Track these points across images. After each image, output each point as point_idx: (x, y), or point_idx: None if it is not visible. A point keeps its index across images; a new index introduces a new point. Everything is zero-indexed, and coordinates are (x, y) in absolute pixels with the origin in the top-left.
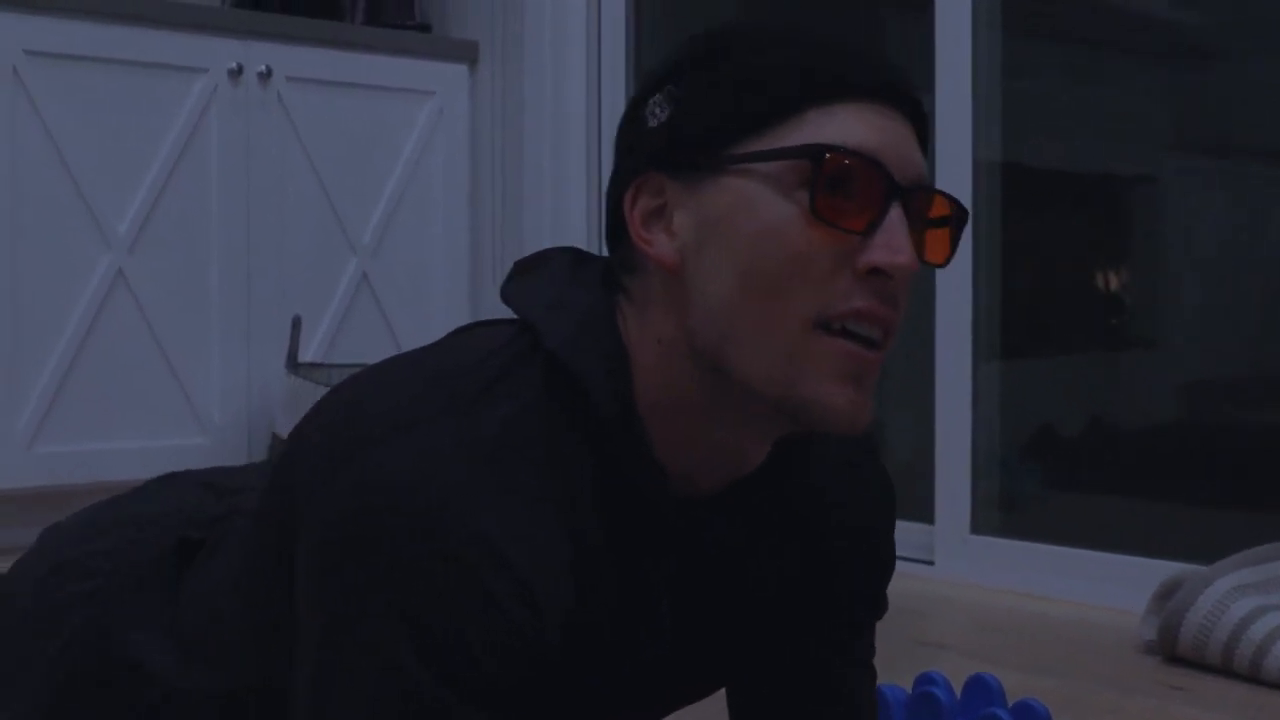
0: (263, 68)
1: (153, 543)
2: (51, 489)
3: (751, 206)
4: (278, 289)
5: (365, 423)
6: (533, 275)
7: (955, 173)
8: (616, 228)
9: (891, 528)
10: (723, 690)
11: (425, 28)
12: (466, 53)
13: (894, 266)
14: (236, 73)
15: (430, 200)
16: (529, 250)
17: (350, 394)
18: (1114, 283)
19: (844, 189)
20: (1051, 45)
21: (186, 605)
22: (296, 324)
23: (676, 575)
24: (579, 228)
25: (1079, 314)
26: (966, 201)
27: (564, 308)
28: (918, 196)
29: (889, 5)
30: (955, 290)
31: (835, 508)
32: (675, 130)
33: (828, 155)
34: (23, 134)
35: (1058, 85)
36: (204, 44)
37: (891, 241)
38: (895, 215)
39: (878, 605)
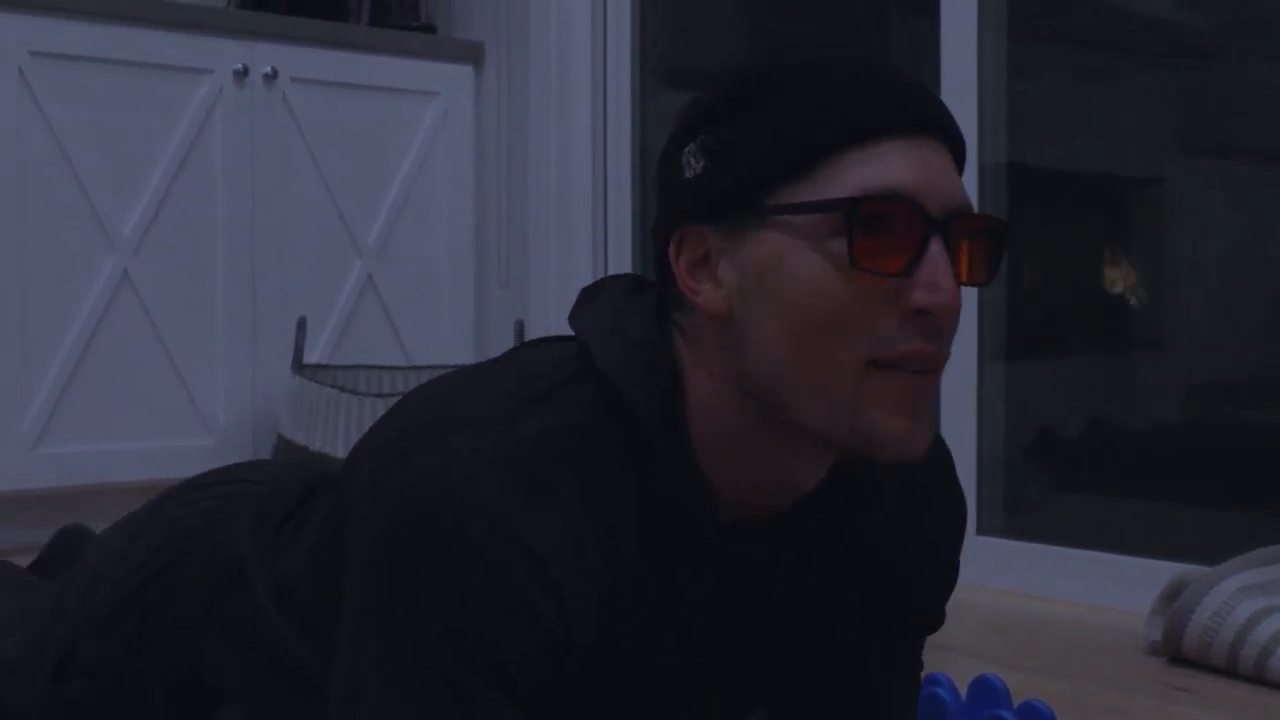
0: (268, 69)
1: (276, 487)
2: (57, 490)
3: (790, 259)
4: (282, 290)
5: (416, 428)
6: (593, 303)
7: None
8: (664, 271)
9: (960, 542)
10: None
11: (430, 29)
12: (471, 54)
13: (937, 306)
14: (242, 74)
15: (435, 201)
16: (534, 251)
17: (409, 401)
18: (1119, 284)
19: (880, 233)
20: (1056, 47)
21: (282, 557)
22: (301, 325)
23: (716, 596)
24: (584, 228)
25: (1084, 315)
26: (972, 203)
27: (619, 332)
28: (957, 225)
29: (894, 8)
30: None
31: (903, 528)
32: (710, 183)
33: (861, 206)
34: (28, 135)
35: (1063, 87)
36: (209, 45)
37: (933, 280)
38: (935, 251)
39: (936, 618)
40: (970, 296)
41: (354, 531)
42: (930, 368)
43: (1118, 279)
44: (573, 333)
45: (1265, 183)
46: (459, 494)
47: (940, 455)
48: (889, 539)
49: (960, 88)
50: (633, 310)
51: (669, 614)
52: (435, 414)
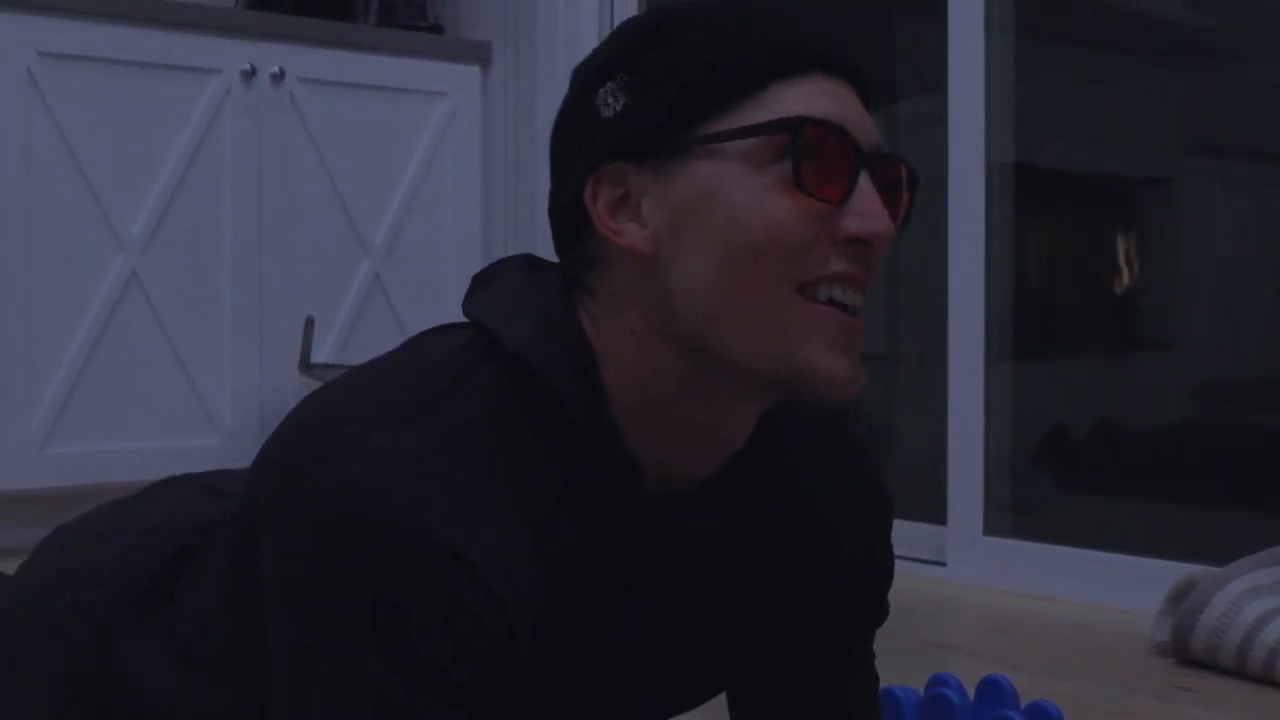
0: (275, 69)
1: (154, 550)
2: (64, 489)
3: (729, 183)
4: (290, 290)
5: (322, 433)
6: (489, 286)
7: (968, 175)
8: (569, 226)
9: (889, 533)
10: (723, 695)
11: (437, 29)
12: (479, 54)
13: (872, 234)
14: (249, 74)
15: (443, 201)
16: (540, 251)
17: (311, 406)
18: (1126, 284)
19: (819, 160)
20: (1064, 48)
21: (182, 618)
22: (309, 325)
23: (657, 575)
24: None
25: (1091, 316)
26: (979, 203)
27: (521, 311)
28: (881, 163)
29: (900, 8)
30: (967, 292)
31: (828, 502)
32: (634, 117)
33: (806, 127)
34: (36, 135)
35: (1070, 87)
36: (217, 45)
37: (867, 209)
38: (865, 183)
39: (878, 612)
40: (976, 297)
41: (271, 563)
42: (856, 304)
43: (1124, 279)
44: (467, 320)
45: (1271, 183)
46: (374, 508)
47: (865, 448)
48: (814, 508)
49: (967, 88)
50: (533, 287)
51: (611, 597)
52: (334, 419)
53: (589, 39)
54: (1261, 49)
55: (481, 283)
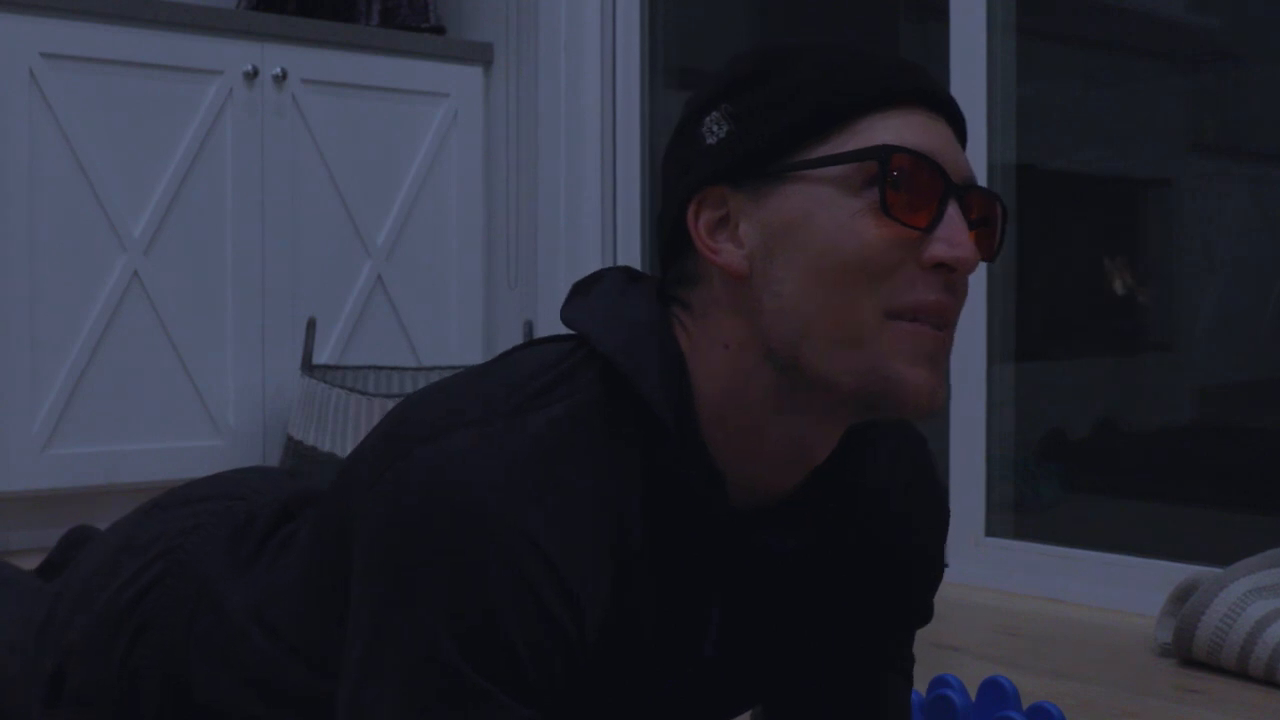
0: (278, 70)
1: (256, 506)
2: (67, 490)
3: (820, 208)
4: (292, 291)
5: (418, 424)
6: (587, 295)
7: None
8: (673, 243)
9: (944, 533)
10: None
11: (440, 30)
12: (481, 55)
13: (957, 260)
14: (252, 75)
15: (445, 202)
16: (543, 252)
17: (409, 401)
18: (1128, 285)
19: (907, 187)
20: (1066, 49)
21: (263, 578)
22: (311, 326)
23: (723, 583)
24: (593, 229)
25: (1094, 317)
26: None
27: (618, 319)
28: (970, 195)
29: (904, 9)
30: (970, 293)
31: (894, 518)
32: (736, 144)
33: (894, 155)
34: (38, 136)
35: (1073, 88)
36: (219, 46)
37: (953, 237)
38: (953, 212)
39: (924, 614)
40: (979, 298)
41: (360, 536)
42: (945, 323)
43: (1127, 280)
44: (567, 329)
45: (1274, 183)
46: (465, 492)
47: (929, 457)
48: (883, 524)
49: (969, 89)
50: (630, 297)
51: (675, 602)
52: (436, 414)
53: (591, 40)
54: (1264, 50)
55: (579, 292)
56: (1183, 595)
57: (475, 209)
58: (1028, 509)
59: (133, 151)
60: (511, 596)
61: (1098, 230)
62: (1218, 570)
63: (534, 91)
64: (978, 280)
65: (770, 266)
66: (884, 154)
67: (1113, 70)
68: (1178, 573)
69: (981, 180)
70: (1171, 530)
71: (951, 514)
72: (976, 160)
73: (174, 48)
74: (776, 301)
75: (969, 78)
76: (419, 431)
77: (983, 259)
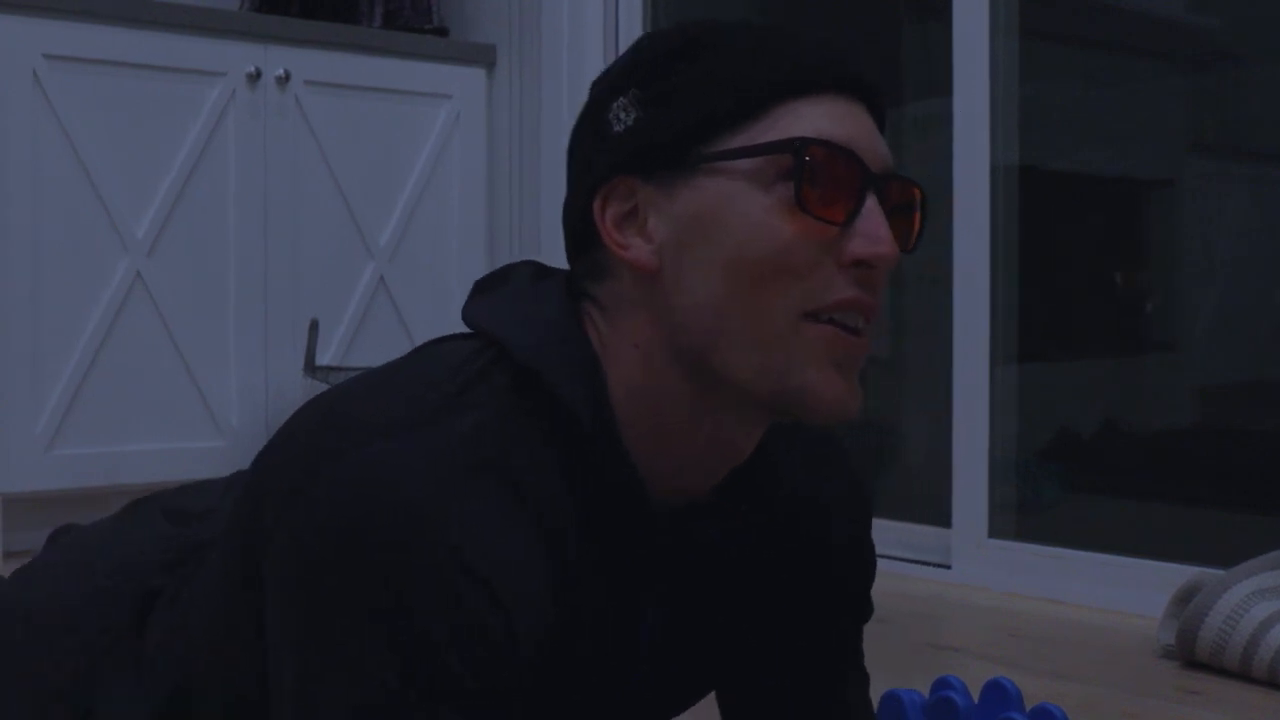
0: (280, 71)
1: (123, 593)
2: (70, 491)
3: (733, 202)
4: (295, 292)
5: (332, 438)
6: (493, 293)
7: (973, 177)
8: (580, 235)
9: (869, 529)
10: (713, 695)
11: (442, 31)
12: (484, 56)
13: (877, 257)
14: (254, 76)
15: (447, 204)
16: (546, 254)
17: (317, 411)
18: (1131, 286)
19: (823, 181)
20: (1069, 49)
21: (155, 660)
22: (314, 327)
23: (660, 581)
24: None
25: (1096, 317)
26: (984, 205)
27: (527, 319)
28: (890, 185)
29: (906, 10)
30: (972, 294)
31: (818, 509)
32: (644, 133)
33: (810, 148)
34: (41, 137)
35: (1075, 89)
36: (222, 48)
37: (872, 232)
38: (872, 205)
39: (863, 609)
40: (982, 299)
41: (276, 553)
42: (860, 326)
43: (1130, 281)
44: (468, 329)
45: (1276, 184)
46: (385, 508)
47: (839, 444)
48: (808, 515)
49: (972, 90)
50: (539, 295)
51: (614, 603)
52: (344, 423)
53: (594, 42)
54: (1265, 50)
55: (484, 289)
56: (1185, 597)
57: (478, 210)
58: (1030, 510)
59: (135, 153)
60: (444, 612)
61: (1099, 231)
62: (1220, 572)
63: (537, 93)
64: (980, 281)
65: (681, 263)
66: (799, 146)
67: (1113, 71)
68: (1180, 574)
69: (981, 179)
70: (1173, 531)
71: (955, 515)
72: (978, 160)
73: (176, 49)
74: (687, 299)
75: (971, 78)
76: (330, 448)
77: (900, 250)
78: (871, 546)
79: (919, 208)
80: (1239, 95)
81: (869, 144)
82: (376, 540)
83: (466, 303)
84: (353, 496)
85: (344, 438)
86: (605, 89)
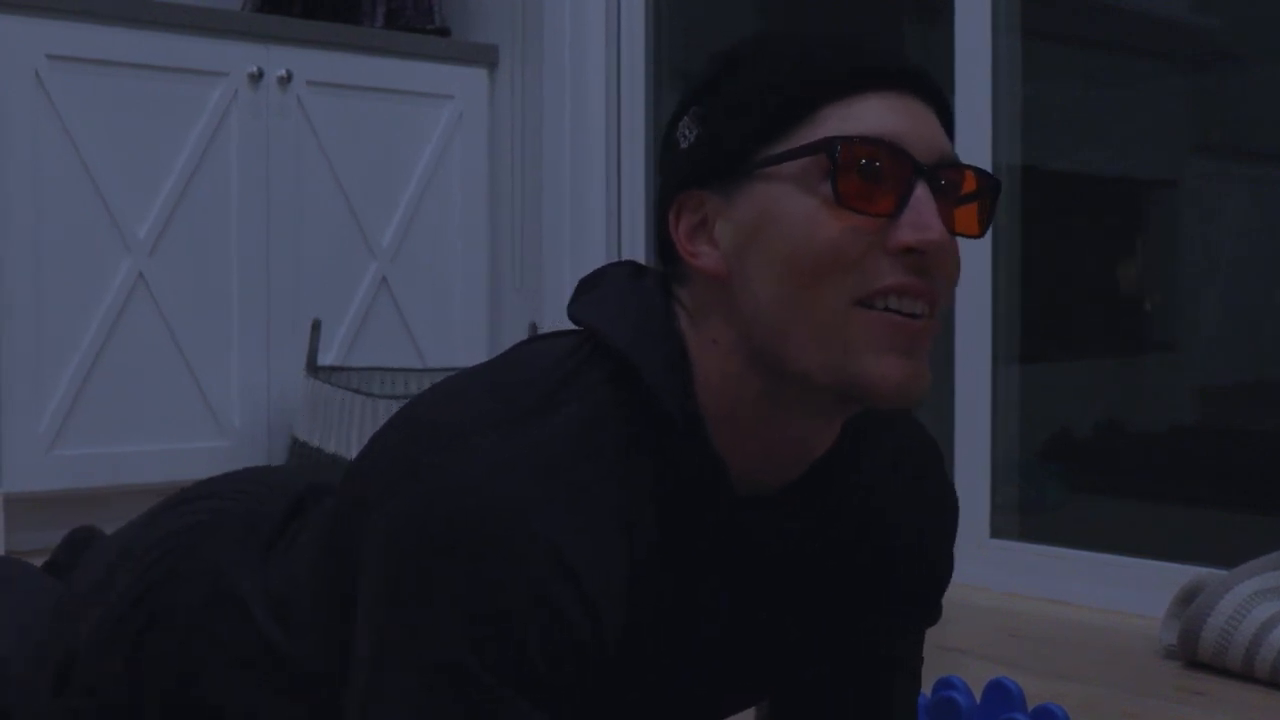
0: (282, 72)
1: (267, 501)
2: (72, 491)
3: (782, 204)
4: (297, 292)
5: (429, 434)
6: (593, 291)
7: None
8: (665, 245)
9: (952, 537)
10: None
11: (444, 32)
12: (486, 57)
13: (923, 243)
14: (256, 77)
15: (449, 204)
16: (548, 254)
17: (416, 408)
18: (1132, 286)
19: (866, 175)
20: (1071, 49)
21: (273, 570)
22: (316, 327)
23: (736, 573)
24: (599, 231)
25: (1098, 318)
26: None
27: (624, 315)
28: (944, 174)
29: (908, 10)
30: (974, 294)
31: (899, 508)
32: (703, 148)
33: (840, 147)
34: (44, 138)
35: (1076, 89)
36: (224, 48)
37: (918, 220)
38: (921, 193)
39: (931, 612)
40: (984, 299)
41: (373, 543)
42: (919, 311)
43: (1132, 281)
44: (574, 325)
45: (1277, 184)
46: (484, 499)
47: (937, 452)
48: (887, 513)
49: (974, 90)
50: (635, 293)
51: (688, 593)
52: (447, 417)
53: (596, 42)
54: (1266, 50)
55: (585, 289)
56: (1187, 597)
57: (480, 210)
58: (1032, 510)
59: (137, 153)
60: (530, 605)
61: (1101, 231)
62: (1222, 572)
63: (539, 93)
64: (983, 282)
65: (745, 266)
66: (831, 146)
67: (1115, 71)
68: (1182, 574)
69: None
70: (1175, 531)
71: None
72: (980, 160)
73: (179, 49)
74: (752, 300)
75: (973, 79)
76: (433, 440)
77: (970, 235)
78: (949, 553)
79: (988, 194)
80: (1240, 95)
81: (920, 134)
82: (469, 534)
83: (570, 301)
84: (449, 490)
85: (444, 431)
86: (677, 107)
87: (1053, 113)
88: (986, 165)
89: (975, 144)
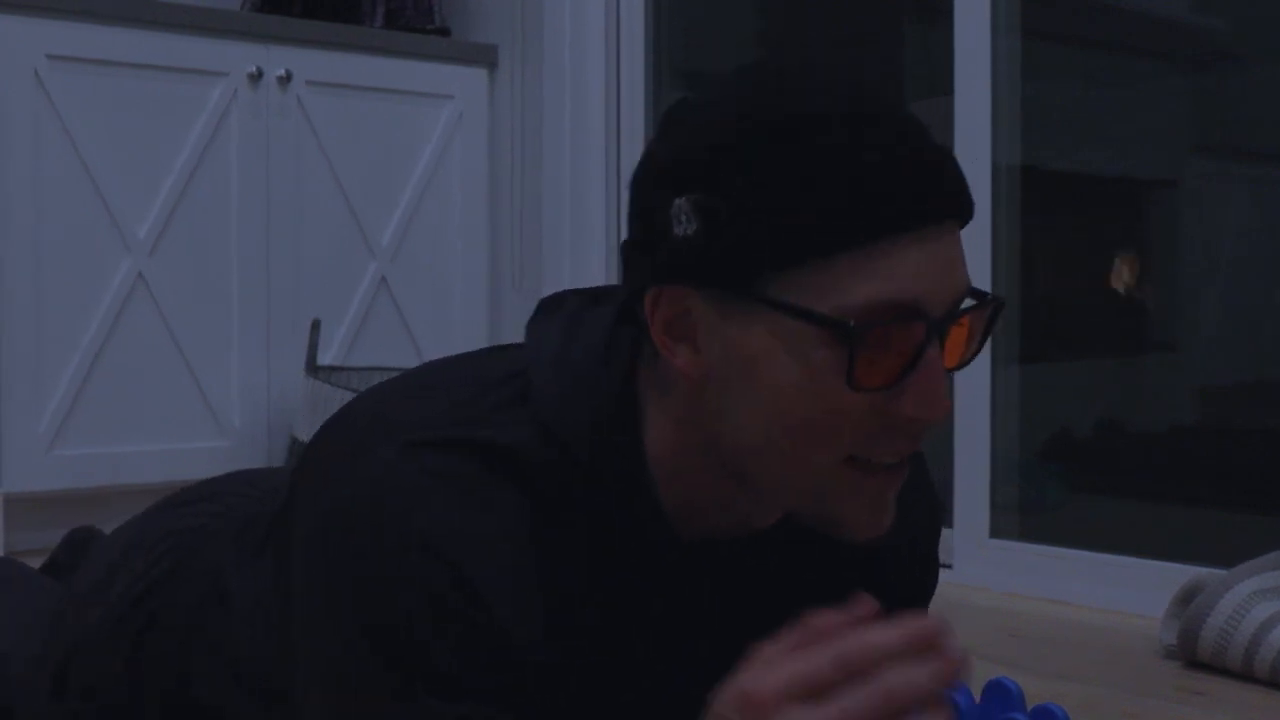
0: (282, 71)
1: (264, 502)
2: (72, 491)
3: (779, 359)
4: (297, 292)
5: (355, 436)
6: (549, 315)
7: (974, 177)
8: (635, 296)
9: (937, 537)
10: None
11: (444, 31)
12: (485, 57)
13: (928, 420)
14: (256, 77)
15: (449, 204)
16: (547, 254)
17: (352, 409)
18: (1132, 286)
19: (879, 348)
20: (1071, 49)
21: (266, 572)
22: (315, 327)
23: (685, 610)
24: (598, 232)
25: (1097, 318)
26: (985, 205)
27: (563, 361)
28: (953, 325)
29: (908, 10)
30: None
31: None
32: (702, 250)
33: (863, 333)
34: (43, 138)
35: (1076, 89)
36: (223, 48)
37: (925, 392)
38: (932, 357)
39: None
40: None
41: (294, 541)
42: (903, 459)
43: (1130, 281)
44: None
45: (1277, 184)
46: (390, 504)
47: (919, 458)
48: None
49: (973, 90)
50: (585, 331)
51: (627, 632)
52: (375, 423)
53: (596, 42)
54: (1266, 50)
55: (545, 310)
56: (1187, 597)
57: (480, 210)
58: (1032, 510)
59: (137, 153)
60: (426, 606)
61: (1101, 231)
62: (1222, 572)
63: (539, 93)
64: (981, 281)
65: (724, 393)
66: (849, 330)
67: (1114, 71)
68: (1181, 574)
69: (983, 179)
70: (1175, 531)
71: (956, 516)
72: (979, 160)
73: (178, 49)
74: (731, 422)
75: (972, 78)
76: (356, 444)
77: (962, 365)
78: (936, 560)
79: (983, 331)
80: (1240, 95)
81: (942, 284)
82: (374, 545)
83: (531, 316)
84: (361, 500)
85: (369, 436)
86: (669, 176)
87: (1053, 113)
88: (986, 165)
89: (975, 144)
